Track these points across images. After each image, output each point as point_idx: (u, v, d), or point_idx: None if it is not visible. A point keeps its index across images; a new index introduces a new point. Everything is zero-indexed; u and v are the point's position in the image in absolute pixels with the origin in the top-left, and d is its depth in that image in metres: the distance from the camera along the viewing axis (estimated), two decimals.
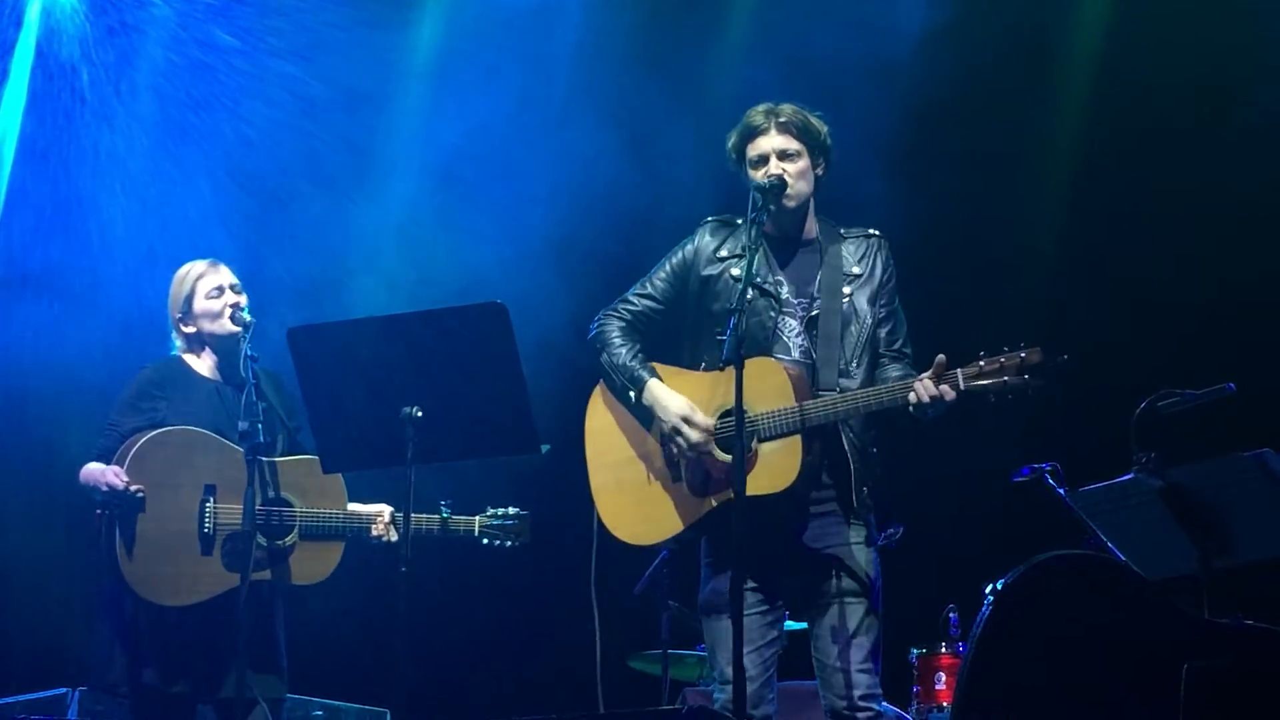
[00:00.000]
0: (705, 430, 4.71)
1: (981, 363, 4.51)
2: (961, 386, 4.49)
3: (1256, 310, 7.51)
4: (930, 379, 4.52)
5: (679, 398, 4.76)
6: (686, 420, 4.72)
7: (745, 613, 4.55)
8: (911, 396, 4.52)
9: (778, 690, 4.84)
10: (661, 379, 4.83)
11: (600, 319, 5.00)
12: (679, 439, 4.74)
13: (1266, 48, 7.56)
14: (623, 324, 4.95)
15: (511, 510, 5.69)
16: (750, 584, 4.62)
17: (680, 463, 4.81)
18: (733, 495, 4.38)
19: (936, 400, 4.50)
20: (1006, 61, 8.09)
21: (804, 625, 4.96)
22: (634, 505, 4.87)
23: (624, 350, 4.89)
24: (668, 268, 4.98)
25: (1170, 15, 7.79)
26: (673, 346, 4.98)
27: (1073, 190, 8.17)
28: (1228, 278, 7.63)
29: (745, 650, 4.54)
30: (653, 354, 4.95)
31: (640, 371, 4.85)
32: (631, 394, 4.85)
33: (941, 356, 4.56)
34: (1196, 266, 7.68)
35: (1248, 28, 7.64)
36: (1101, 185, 8.05)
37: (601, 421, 4.96)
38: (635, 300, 4.99)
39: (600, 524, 4.93)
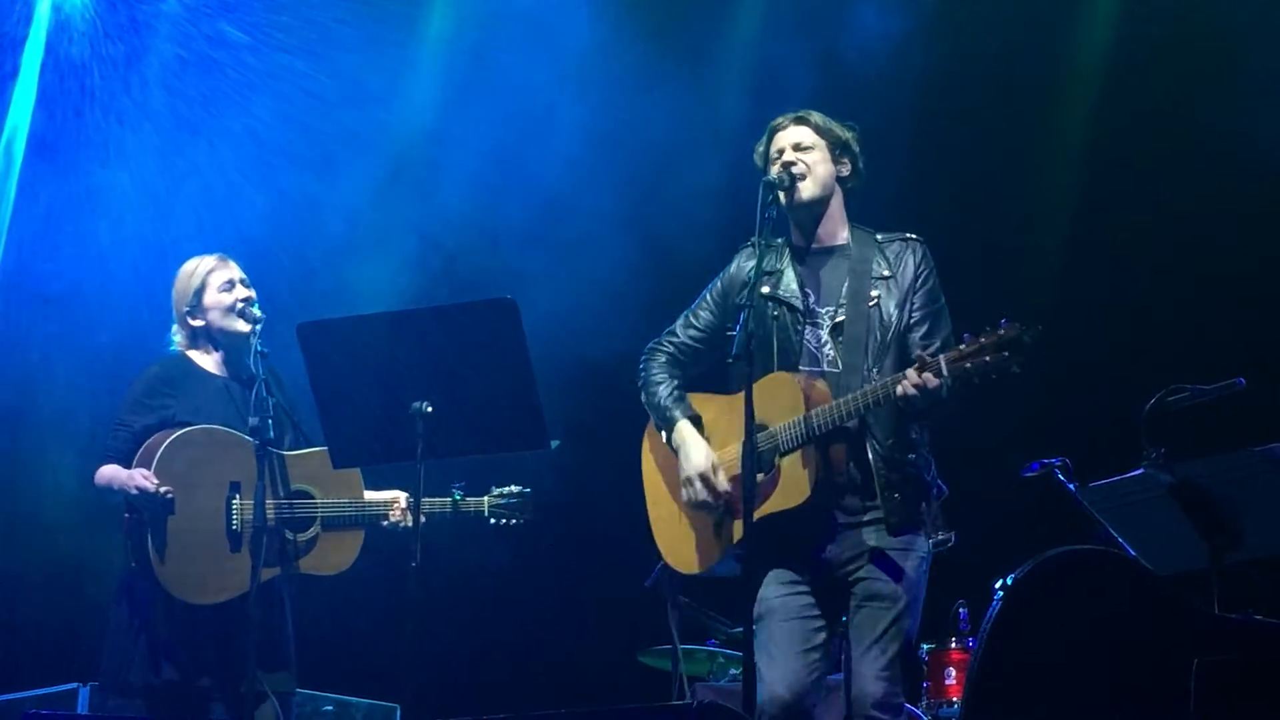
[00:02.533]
0: (719, 494, 4.72)
1: (962, 345, 4.46)
2: (944, 371, 4.43)
3: (1267, 305, 7.50)
4: (914, 370, 4.48)
5: (702, 451, 4.77)
6: (704, 479, 4.73)
7: (791, 617, 4.61)
8: (898, 389, 4.48)
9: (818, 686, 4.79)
10: (695, 412, 4.85)
11: (645, 354, 5.02)
12: (690, 491, 4.76)
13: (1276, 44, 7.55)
14: (665, 358, 4.98)
15: (514, 488, 5.69)
16: (796, 589, 4.64)
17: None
18: (766, 511, 4.46)
19: (922, 389, 4.45)
20: (1013, 60, 8.08)
21: None
22: (684, 535, 4.87)
23: (661, 388, 4.92)
24: (708, 298, 4.98)
25: (1177, 14, 7.78)
26: (721, 373, 4.95)
27: (1082, 183, 8.17)
28: (1238, 272, 7.61)
29: (791, 651, 4.58)
30: (705, 381, 4.96)
31: (673, 411, 4.87)
32: (664, 434, 4.89)
33: (929, 349, 4.56)
34: (1206, 261, 7.66)
35: (1256, 24, 7.62)
36: (1111, 177, 8.04)
37: (652, 456, 5.00)
38: (679, 333, 5.00)
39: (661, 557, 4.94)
